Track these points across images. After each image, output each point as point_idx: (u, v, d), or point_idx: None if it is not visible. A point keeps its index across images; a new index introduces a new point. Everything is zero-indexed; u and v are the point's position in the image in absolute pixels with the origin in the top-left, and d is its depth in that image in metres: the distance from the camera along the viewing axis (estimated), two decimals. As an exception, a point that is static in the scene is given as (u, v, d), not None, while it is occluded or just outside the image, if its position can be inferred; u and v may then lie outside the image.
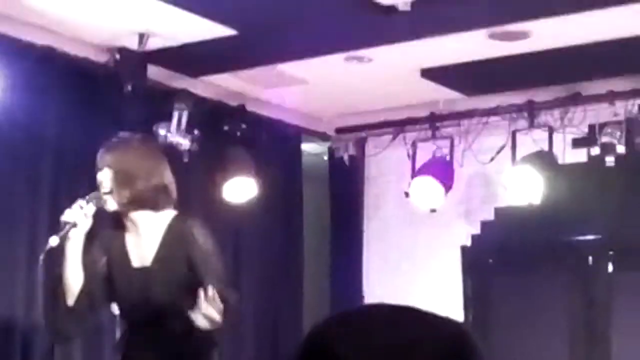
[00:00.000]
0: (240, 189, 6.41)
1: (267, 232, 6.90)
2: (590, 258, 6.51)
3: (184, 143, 6.03)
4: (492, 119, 6.69)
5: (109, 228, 4.34)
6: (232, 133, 6.47)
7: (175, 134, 6.00)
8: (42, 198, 5.59)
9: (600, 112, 6.32)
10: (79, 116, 5.68)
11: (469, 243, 7.02)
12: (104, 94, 5.79)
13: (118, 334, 4.53)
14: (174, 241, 4.20)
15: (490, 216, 6.94)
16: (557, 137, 6.50)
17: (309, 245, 7.26)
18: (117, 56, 5.77)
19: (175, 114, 6.03)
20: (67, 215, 4.10)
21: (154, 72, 5.98)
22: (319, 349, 1.11)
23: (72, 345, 5.55)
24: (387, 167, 7.26)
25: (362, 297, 7.32)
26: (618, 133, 6.11)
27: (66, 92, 5.69)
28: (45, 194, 5.61)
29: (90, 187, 4.32)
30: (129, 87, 5.74)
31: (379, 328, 1.12)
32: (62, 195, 5.39)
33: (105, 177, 4.22)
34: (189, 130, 6.05)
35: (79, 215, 4.09)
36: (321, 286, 7.34)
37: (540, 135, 6.50)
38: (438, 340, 1.10)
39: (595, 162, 6.30)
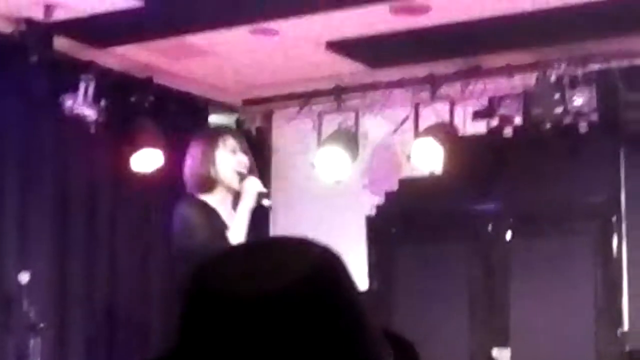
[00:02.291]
0: (147, 160, 6.44)
1: (176, 203, 6.92)
2: (489, 226, 6.71)
3: (91, 114, 6.03)
4: (396, 91, 6.82)
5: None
6: (139, 104, 6.48)
7: (81, 105, 6.00)
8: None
9: (499, 85, 6.50)
10: (-17, 87, 5.64)
11: (373, 213, 7.16)
12: (9, 65, 5.76)
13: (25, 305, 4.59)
14: None
15: (394, 187, 7.08)
16: (458, 109, 6.67)
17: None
18: (23, 27, 5.73)
19: (82, 85, 6.02)
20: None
21: (60, 43, 5.95)
22: (194, 285, 1.15)
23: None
24: (293, 139, 7.34)
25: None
26: (516, 105, 6.30)
27: (-30, 62, 5.65)
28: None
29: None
30: (35, 58, 5.70)
31: (249, 257, 1.17)
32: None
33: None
34: (95, 101, 6.05)
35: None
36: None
37: (442, 107, 6.66)
38: (303, 263, 1.13)
39: (494, 133, 6.49)
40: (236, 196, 4.76)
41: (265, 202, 4.74)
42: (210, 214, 4.66)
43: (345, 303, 1.15)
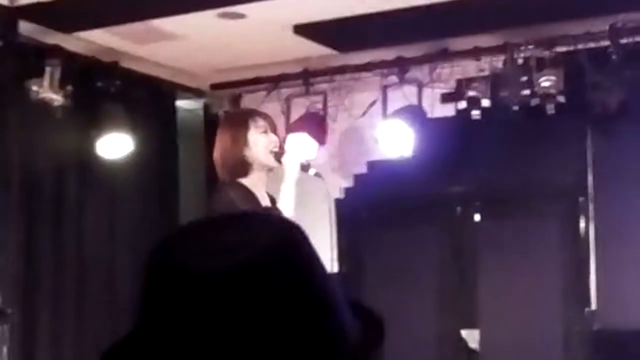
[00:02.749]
0: (114, 146, 6.40)
1: (142, 189, 6.91)
2: (458, 208, 6.74)
3: (57, 99, 5.99)
4: (364, 74, 6.82)
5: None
6: (105, 89, 6.44)
7: (47, 90, 5.95)
8: None
9: (467, 68, 6.51)
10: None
11: (342, 196, 7.16)
12: (-27, 50, 5.71)
13: None
14: None
15: (363, 170, 7.09)
16: (426, 92, 6.68)
17: (184, 201, 7.30)
18: (-13, 12, 5.68)
19: (48, 70, 5.97)
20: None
21: (26, 28, 5.90)
22: (154, 262, 1.15)
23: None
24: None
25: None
26: (484, 88, 6.32)
27: None
28: None
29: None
30: (0, 43, 5.66)
31: (209, 232, 1.17)
32: None
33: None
34: (61, 86, 6.00)
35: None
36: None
37: (410, 90, 6.67)
38: (264, 237, 1.13)
39: (462, 116, 6.51)
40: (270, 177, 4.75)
41: (312, 171, 4.76)
42: (251, 197, 4.57)
43: (308, 277, 1.15)
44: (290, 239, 1.16)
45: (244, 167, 4.62)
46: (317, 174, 4.86)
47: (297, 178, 4.71)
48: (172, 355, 1.12)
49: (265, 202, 4.62)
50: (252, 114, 4.88)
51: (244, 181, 4.62)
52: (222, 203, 4.57)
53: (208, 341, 1.10)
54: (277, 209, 4.58)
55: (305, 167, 4.77)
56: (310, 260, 1.17)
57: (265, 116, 4.87)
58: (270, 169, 4.69)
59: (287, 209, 4.61)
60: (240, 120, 4.82)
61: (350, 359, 1.16)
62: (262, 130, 4.69)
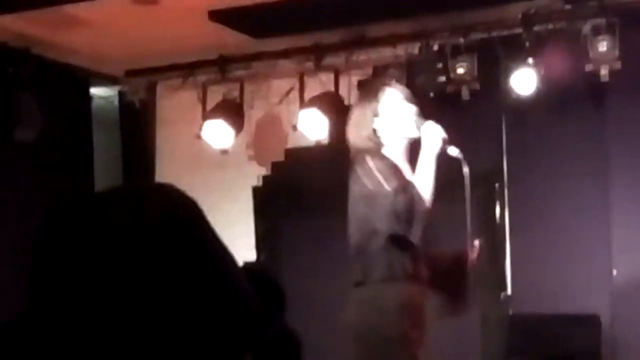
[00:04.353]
0: (27, 133, 6.28)
1: (56, 177, 6.79)
2: (375, 195, 6.75)
3: (-34, 87, 5.86)
4: (281, 61, 6.80)
5: None
6: (17, 76, 6.32)
7: (-44, 77, 5.82)
8: None
9: (383, 55, 6.53)
10: None
11: (259, 184, 7.14)
12: None
13: None
14: None
15: (281, 157, 7.07)
16: (343, 79, 6.69)
17: (100, 188, 7.21)
18: None
19: (-44, 57, 5.84)
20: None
21: None
22: (45, 240, 1.14)
23: None
24: (178, 110, 7.26)
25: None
26: (400, 74, 6.34)
27: None
28: None
29: None
30: None
31: (101, 208, 1.15)
32: None
33: None
34: (-30, 73, 5.88)
35: None
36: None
37: (327, 77, 6.66)
38: (157, 211, 1.13)
39: (379, 103, 6.52)
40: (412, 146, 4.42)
41: (453, 150, 4.33)
42: (393, 167, 4.32)
43: (203, 249, 1.14)
44: (183, 212, 1.15)
45: (377, 140, 4.36)
46: (460, 157, 4.38)
47: (437, 153, 4.31)
48: (64, 334, 1.10)
49: (408, 174, 4.35)
50: (384, 84, 4.58)
51: (384, 151, 4.36)
52: (361, 173, 4.34)
53: (101, 319, 1.09)
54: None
55: (446, 141, 4.33)
56: (204, 235, 1.16)
57: (397, 86, 4.58)
58: (411, 139, 4.38)
59: (426, 183, 4.31)
60: (371, 92, 4.55)
61: (249, 328, 1.16)
62: (397, 100, 4.41)
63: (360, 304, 4.35)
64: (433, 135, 4.31)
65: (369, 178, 4.26)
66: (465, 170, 4.29)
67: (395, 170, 4.30)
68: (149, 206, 1.14)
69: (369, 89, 4.78)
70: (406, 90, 4.54)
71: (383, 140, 4.36)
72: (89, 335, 1.09)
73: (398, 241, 4.25)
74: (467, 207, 4.37)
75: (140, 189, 1.21)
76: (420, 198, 4.28)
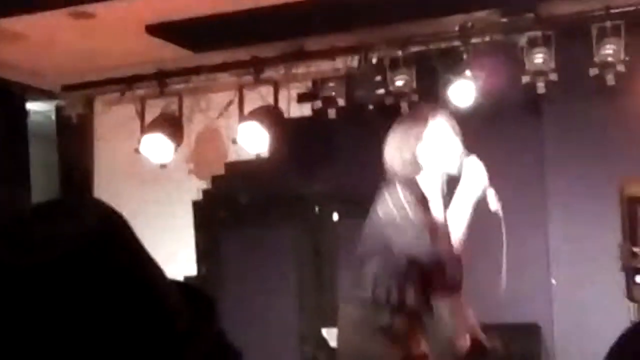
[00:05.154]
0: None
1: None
2: (316, 208, 6.76)
3: None
4: (219, 75, 6.78)
5: None
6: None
7: None
8: None
9: (323, 68, 6.54)
10: None
11: (200, 198, 7.11)
12: None
13: None
14: None
15: (221, 171, 7.05)
16: (282, 92, 6.69)
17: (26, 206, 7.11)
18: None
19: None
20: None
21: None
22: None
23: None
24: (116, 124, 7.20)
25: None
26: (339, 87, 6.36)
27: None
28: None
29: None
30: None
31: (24, 224, 1.12)
32: None
33: None
34: None
35: None
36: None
37: (266, 90, 6.66)
38: (82, 227, 1.10)
39: (319, 116, 6.54)
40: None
41: (494, 205, 4.01)
42: (422, 198, 4.04)
43: (129, 265, 1.12)
44: (112, 229, 1.12)
45: (414, 167, 4.08)
46: (499, 213, 4.06)
47: (477, 197, 4.03)
48: None
49: (437, 208, 4.08)
50: (433, 111, 4.26)
51: (420, 179, 4.09)
52: (388, 198, 4.03)
53: (26, 335, 1.06)
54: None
55: (488, 191, 4.05)
56: (131, 251, 1.13)
57: (447, 115, 4.24)
58: (449, 173, 4.10)
59: (458, 224, 4.08)
60: (419, 117, 4.23)
61: (179, 344, 1.13)
62: (443, 130, 4.10)
63: (341, 319, 4.19)
64: (476, 174, 4.05)
65: (395, 205, 3.99)
66: (503, 230, 4.03)
67: (424, 203, 4.05)
68: (72, 221, 1.10)
69: (418, 112, 4.44)
70: (454, 122, 4.20)
71: (422, 166, 4.08)
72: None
73: (402, 268, 4.00)
74: (503, 265, 4.21)
75: (62, 204, 1.18)
76: (446, 237, 4.06)
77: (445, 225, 4.06)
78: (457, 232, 4.08)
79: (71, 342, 1.06)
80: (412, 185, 4.05)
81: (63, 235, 1.09)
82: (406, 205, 3.96)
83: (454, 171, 4.06)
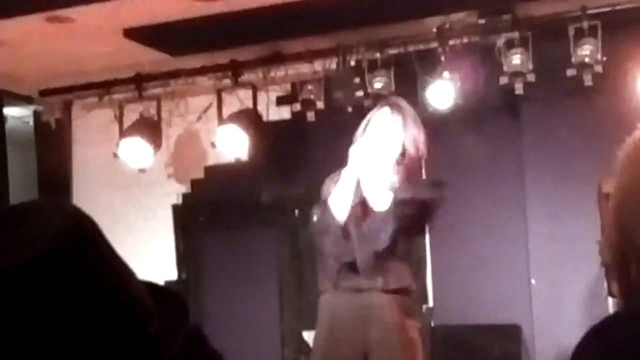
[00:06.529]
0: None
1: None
2: (296, 211, 6.76)
3: None
4: (198, 79, 6.77)
5: None
6: None
7: None
8: None
9: (301, 70, 6.54)
10: None
11: (179, 202, 7.09)
12: None
13: None
14: None
15: (200, 175, 7.03)
16: (261, 95, 6.68)
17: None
18: None
19: None
20: None
21: None
22: None
23: None
24: (94, 129, 7.17)
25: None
26: (318, 90, 6.36)
27: None
28: None
29: None
30: None
31: None
32: None
33: None
34: None
35: None
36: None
37: (245, 94, 6.65)
38: (51, 231, 1.08)
39: (298, 119, 6.53)
40: None
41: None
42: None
43: (98, 269, 1.10)
44: (80, 233, 1.10)
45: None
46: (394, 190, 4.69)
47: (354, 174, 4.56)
48: None
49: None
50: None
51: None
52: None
53: None
54: None
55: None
56: (101, 251, 1.12)
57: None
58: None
59: (336, 203, 4.57)
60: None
61: (150, 347, 1.12)
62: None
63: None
64: (352, 156, 4.56)
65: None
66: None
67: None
68: (40, 225, 1.09)
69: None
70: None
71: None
72: None
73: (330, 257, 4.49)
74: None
75: (29, 207, 1.15)
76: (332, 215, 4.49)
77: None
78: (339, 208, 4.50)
79: (39, 347, 1.05)
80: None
81: (30, 238, 1.07)
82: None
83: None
